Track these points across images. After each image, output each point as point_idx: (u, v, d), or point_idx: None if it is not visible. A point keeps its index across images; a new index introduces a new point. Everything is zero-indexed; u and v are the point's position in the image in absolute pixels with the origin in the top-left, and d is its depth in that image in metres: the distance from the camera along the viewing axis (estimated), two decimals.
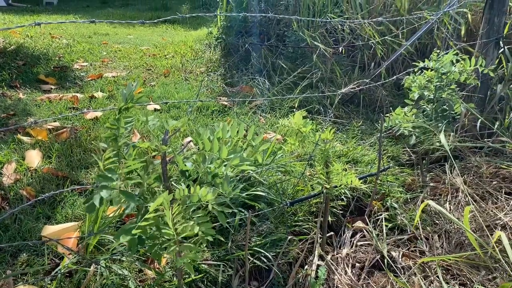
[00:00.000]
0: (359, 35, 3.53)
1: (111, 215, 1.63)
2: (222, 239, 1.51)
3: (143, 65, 4.21)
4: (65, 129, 2.39)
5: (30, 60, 3.88)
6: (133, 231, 1.02)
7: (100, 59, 4.30)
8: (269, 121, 2.91)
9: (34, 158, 2.11)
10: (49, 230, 1.59)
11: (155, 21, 1.09)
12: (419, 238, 1.87)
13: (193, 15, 1.24)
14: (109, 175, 1.04)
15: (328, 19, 3.60)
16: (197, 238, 1.08)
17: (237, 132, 1.28)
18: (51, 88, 3.28)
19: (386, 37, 3.13)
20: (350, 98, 3.33)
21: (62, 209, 1.76)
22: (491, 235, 1.79)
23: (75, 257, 1.45)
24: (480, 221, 1.86)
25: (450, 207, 2.09)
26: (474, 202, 2.07)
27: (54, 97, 3.02)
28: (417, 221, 1.63)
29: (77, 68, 3.86)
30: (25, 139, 2.28)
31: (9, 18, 7.06)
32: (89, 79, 3.59)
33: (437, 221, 2.00)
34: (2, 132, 2.35)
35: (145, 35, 6.06)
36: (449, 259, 1.68)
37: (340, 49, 3.34)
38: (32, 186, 1.88)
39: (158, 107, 2.97)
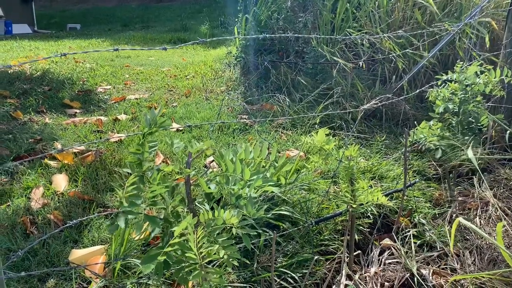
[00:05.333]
0: (379, 49, 3.51)
1: (136, 238, 1.64)
2: (247, 261, 1.50)
3: (164, 86, 4.27)
4: (90, 152, 2.43)
5: (55, 85, 3.98)
6: (159, 257, 1.02)
7: (122, 81, 4.39)
8: (291, 138, 2.90)
9: (60, 182, 2.15)
10: (76, 254, 1.61)
11: (177, 46, 1.11)
12: (450, 254, 1.82)
13: (214, 39, 1.25)
14: (133, 201, 1.05)
15: (347, 34, 3.59)
16: (222, 260, 1.07)
17: (260, 152, 1.28)
18: (76, 112, 3.35)
19: (407, 50, 3.10)
20: (372, 112, 3.29)
21: (88, 232, 1.77)
22: None
23: (102, 281, 1.46)
24: None
25: (480, 222, 2.03)
26: (505, 216, 2.00)
27: (79, 121, 3.09)
28: (452, 244, 1.56)
29: (101, 92, 3.94)
30: (52, 163, 2.32)
31: (35, 44, 7.29)
32: (112, 102, 3.66)
33: (467, 237, 1.94)
34: (31, 157, 2.41)
35: (166, 57, 6.17)
36: (483, 277, 1.62)
37: (360, 63, 3.33)
38: (59, 210, 1.91)
39: (180, 127, 3.00)
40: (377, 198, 1.54)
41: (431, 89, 2.14)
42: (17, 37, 8.65)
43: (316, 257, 1.69)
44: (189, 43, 1.12)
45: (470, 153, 1.86)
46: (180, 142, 1.24)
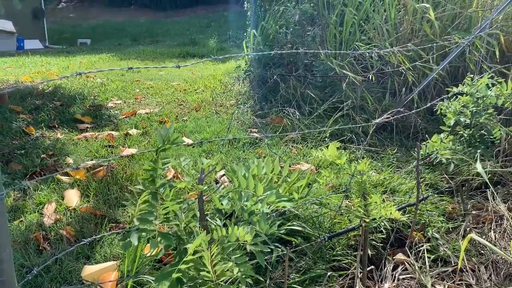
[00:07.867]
0: (388, 62, 3.51)
1: (148, 254, 1.64)
2: (260, 277, 1.49)
3: (174, 100, 4.30)
4: (101, 168, 2.44)
5: (67, 101, 4.02)
6: (173, 275, 1.02)
7: (133, 96, 4.42)
8: (301, 151, 2.89)
9: (72, 197, 2.16)
10: (89, 270, 1.61)
11: (189, 64, 1.12)
12: (465, 270, 1.79)
13: (226, 56, 1.27)
14: (146, 218, 1.05)
15: (356, 47, 3.60)
16: (234, 277, 1.06)
17: (273, 168, 1.27)
18: (87, 127, 3.38)
19: (417, 63, 3.10)
20: (382, 125, 3.28)
21: (101, 248, 1.78)
22: None
23: None
24: None
25: (495, 236, 2.00)
26: None
27: (90, 135, 3.11)
28: (462, 260, 1.53)
29: (112, 106, 3.97)
30: (64, 178, 2.34)
31: (46, 60, 7.39)
32: (123, 116, 3.69)
33: (482, 251, 1.91)
34: (43, 172, 2.43)
35: (176, 71, 6.21)
36: None
37: (370, 76, 3.33)
38: (71, 226, 1.91)
39: (190, 141, 3.01)
40: (390, 213, 1.53)
41: (441, 103, 2.13)
42: (29, 52, 8.77)
43: (329, 273, 1.68)
44: (202, 60, 1.13)
45: (479, 166, 1.84)
46: (188, 158, 1.25)
